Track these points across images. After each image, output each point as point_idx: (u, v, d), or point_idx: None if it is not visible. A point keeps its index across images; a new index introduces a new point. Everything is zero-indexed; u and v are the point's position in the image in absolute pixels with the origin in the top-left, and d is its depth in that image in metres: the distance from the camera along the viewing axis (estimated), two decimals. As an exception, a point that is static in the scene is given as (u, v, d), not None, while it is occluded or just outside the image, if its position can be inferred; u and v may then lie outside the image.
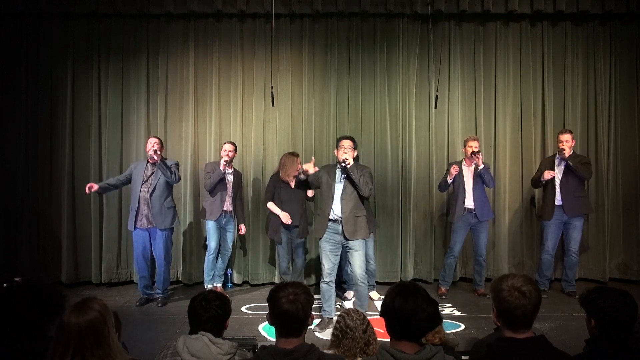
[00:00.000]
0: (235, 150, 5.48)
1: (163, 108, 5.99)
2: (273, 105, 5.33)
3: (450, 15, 5.94)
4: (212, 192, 5.35)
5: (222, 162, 5.24)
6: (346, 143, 4.37)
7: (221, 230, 5.45)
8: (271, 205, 5.25)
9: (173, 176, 5.10)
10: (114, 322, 1.98)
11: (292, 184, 5.25)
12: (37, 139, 5.91)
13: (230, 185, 5.40)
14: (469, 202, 5.33)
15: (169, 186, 5.17)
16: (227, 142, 5.44)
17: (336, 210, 4.36)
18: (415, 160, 6.02)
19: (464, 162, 5.42)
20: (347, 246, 4.39)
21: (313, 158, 4.47)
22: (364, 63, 6.03)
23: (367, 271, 5.32)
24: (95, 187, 5.00)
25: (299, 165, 5.22)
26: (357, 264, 4.37)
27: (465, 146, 5.41)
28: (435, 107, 5.51)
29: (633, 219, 6.02)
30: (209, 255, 5.40)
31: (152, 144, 5.08)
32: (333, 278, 4.44)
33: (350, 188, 4.37)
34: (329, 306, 4.46)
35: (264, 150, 6.03)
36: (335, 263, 4.45)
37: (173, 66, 6.00)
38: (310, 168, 4.25)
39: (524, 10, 5.82)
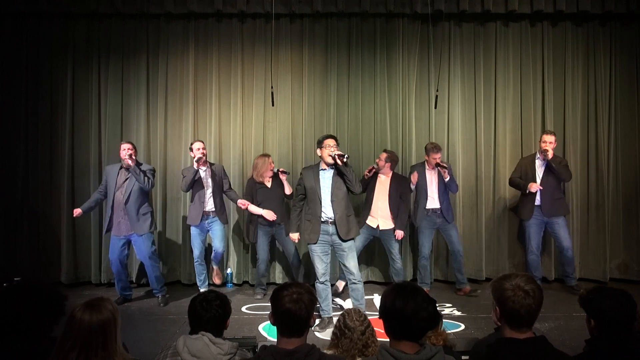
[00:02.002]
0: (205, 148, 5.32)
1: (163, 108, 5.99)
2: (273, 105, 5.33)
3: (450, 15, 5.94)
4: (192, 196, 5.29)
5: (195, 161, 5.12)
6: (332, 142, 4.33)
7: (207, 233, 5.35)
8: (252, 207, 5.30)
9: (147, 182, 5.02)
10: (121, 326, 1.97)
11: (268, 184, 5.30)
12: (37, 139, 5.90)
13: (207, 184, 5.26)
14: (434, 204, 5.33)
15: (144, 192, 5.08)
16: (197, 141, 5.29)
17: (327, 212, 4.35)
18: (415, 160, 6.00)
19: (426, 166, 5.40)
20: (340, 248, 4.39)
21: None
22: (364, 63, 6.03)
23: (394, 270, 5.38)
24: (79, 211, 5.03)
25: (272, 165, 5.29)
26: (352, 264, 4.39)
27: (428, 154, 5.34)
28: (435, 107, 5.51)
29: (633, 219, 6.01)
30: (195, 262, 5.36)
31: (125, 149, 4.99)
32: (328, 277, 4.47)
33: (340, 189, 4.34)
34: (327, 305, 4.48)
35: (264, 150, 6.01)
36: (328, 263, 4.47)
37: (173, 66, 6.00)
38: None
39: (524, 10, 5.82)
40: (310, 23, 6.03)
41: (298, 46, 6.03)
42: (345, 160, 4.22)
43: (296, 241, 4.72)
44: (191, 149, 5.25)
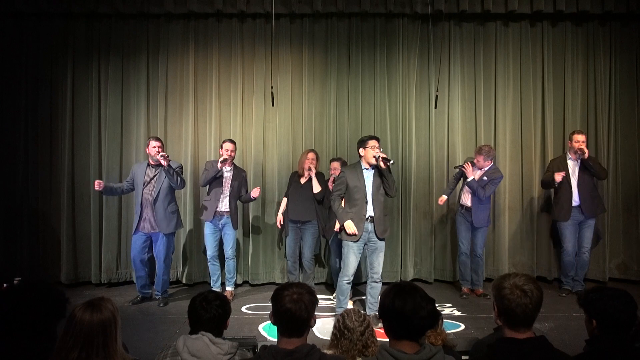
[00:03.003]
0: (235, 150, 5.33)
1: (163, 108, 5.99)
2: (273, 105, 5.33)
3: (450, 15, 5.94)
4: (208, 190, 5.32)
5: (220, 161, 5.13)
6: (375, 143, 4.40)
7: (219, 233, 5.35)
8: (282, 202, 5.49)
9: (180, 182, 5.05)
10: (121, 326, 1.98)
11: (302, 181, 5.27)
12: (37, 139, 5.90)
13: (227, 184, 5.26)
14: (469, 201, 5.35)
15: (172, 190, 5.11)
16: (228, 141, 5.28)
17: (370, 210, 4.43)
18: (415, 160, 6.02)
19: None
20: (374, 246, 4.47)
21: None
22: (364, 63, 6.03)
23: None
24: (102, 185, 4.94)
25: (308, 160, 5.26)
26: (379, 263, 4.49)
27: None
28: (435, 107, 5.52)
29: (633, 219, 6.01)
30: (208, 262, 5.36)
31: (156, 147, 4.97)
32: (352, 277, 4.54)
33: (379, 188, 4.44)
34: (346, 303, 4.53)
35: (264, 150, 6.03)
36: (358, 261, 4.53)
37: (173, 66, 6.00)
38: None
39: (524, 10, 5.82)
40: (310, 23, 6.03)
41: (298, 46, 6.03)
42: (389, 164, 4.31)
43: (356, 232, 4.37)
44: (221, 147, 5.25)
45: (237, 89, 6.01)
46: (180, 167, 5.23)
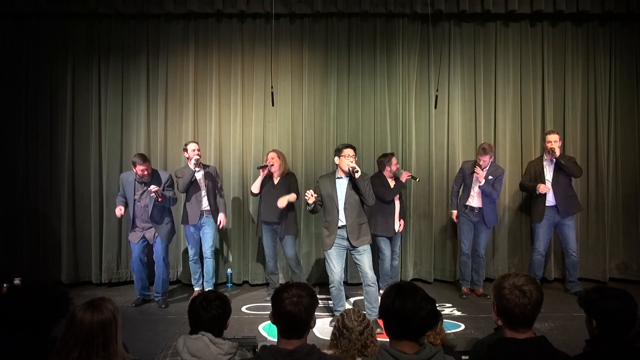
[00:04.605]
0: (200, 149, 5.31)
1: (163, 108, 5.99)
2: (273, 105, 5.33)
3: (450, 15, 5.94)
4: (187, 195, 5.25)
5: (193, 162, 5.09)
6: (350, 152, 4.40)
7: (198, 233, 5.34)
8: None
9: (172, 202, 5.06)
10: (122, 326, 1.98)
11: (275, 180, 5.23)
12: (37, 139, 5.90)
13: (202, 184, 5.26)
14: (474, 202, 5.34)
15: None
16: (192, 142, 5.28)
17: (342, 218, 4.43)
18: (415, 160, 6.02)
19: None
20: (356, 251, 4.46)
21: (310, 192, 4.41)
22: (364, 63, 6.03)
23: (392, 267, 5.45)
24: (122, 209, 5.00)
25: (267, 160, 5.23)
26: (367, 265, 4.44)
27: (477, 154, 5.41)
28: (435, 107, 5.51)
29: (633, 219, 6.02)
30: (190, 260, 5.38)
31: (143, 169, 4.84)
32: (341, 281, 4.52)
33: (353, 197, 4.44)
34: (341, 306, 4.52)
35: (264, 150, 6.01)
36: (342, 267, 4.53)
37: (173, 66, 6.00)
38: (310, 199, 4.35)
39: (524, 10, 5.82)
40: (310, 23, 6.02)
41: (298, 46, 6.03)
42: (355, 174, 4.31)
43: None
44: (186, 150, 5.23)
45: (237, 89, 6.01)
46: (170, 179, 5.14)
